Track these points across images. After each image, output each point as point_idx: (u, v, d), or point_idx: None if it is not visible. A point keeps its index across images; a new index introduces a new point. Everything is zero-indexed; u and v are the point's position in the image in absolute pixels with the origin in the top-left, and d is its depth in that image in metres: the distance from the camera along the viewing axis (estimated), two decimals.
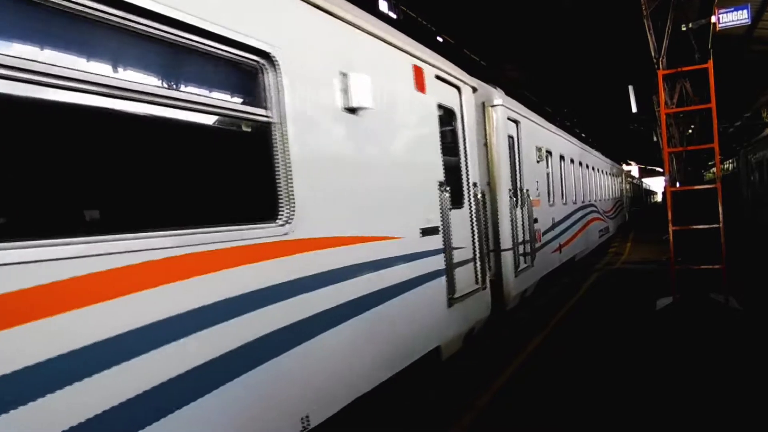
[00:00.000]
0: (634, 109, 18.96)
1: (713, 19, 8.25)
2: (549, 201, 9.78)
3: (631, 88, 17.90)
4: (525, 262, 7.81)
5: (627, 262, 14.59)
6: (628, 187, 30.68)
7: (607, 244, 19.23)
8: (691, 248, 8.39)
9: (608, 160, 21.99)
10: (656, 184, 66.00)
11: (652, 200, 60.14)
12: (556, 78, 20.07)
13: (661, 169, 45.48)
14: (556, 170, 10.59)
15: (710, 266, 8.05)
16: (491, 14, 14.13)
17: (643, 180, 55.98)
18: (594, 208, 14.90)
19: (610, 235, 18.67)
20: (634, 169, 51.44)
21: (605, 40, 15.18)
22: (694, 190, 8.63)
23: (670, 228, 8.39)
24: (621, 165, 33.76)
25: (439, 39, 13.98)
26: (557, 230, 10.18)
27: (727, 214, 7.95)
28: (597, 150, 22.73)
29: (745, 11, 8.69)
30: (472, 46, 15.53)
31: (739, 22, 8.77)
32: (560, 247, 10.51)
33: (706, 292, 8.08)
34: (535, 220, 8.25)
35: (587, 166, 14.73)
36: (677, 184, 9.08)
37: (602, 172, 18.23)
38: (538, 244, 8.48)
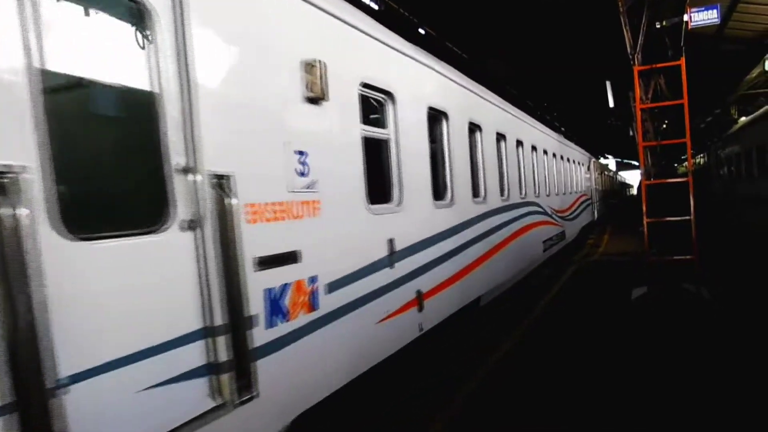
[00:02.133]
0: (611, 104, 19.30)
1: (685, 17, 8.49)
2: (395, 198, 4.73)
3: (608, 83, 18.21)
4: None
5: (605, 254, 14.95)
6: (600, 179, 26.82)
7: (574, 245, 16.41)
8: (664, 240, 8.67)
9: (571, 145, 17.86)
10: (632, 178, 67.44)
11: (629, 193, 61.41)
12: (537, 73, 20.31)
13: (636, 163, 46.48)
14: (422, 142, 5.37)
15: (682, 257, 8.35)
16: (473, 7, 14.23)
17: (620, 173, 57.10)
18: (537, 208, 10.38)
19: (566, 242, 14.06)
20: (611, 163, 52.40)
21: (584, 36, 15.43)
22: (668, 184, 8.90)
23: (645, 220, 8.66)
24: (594, 157, 27.43)
25: (421, 31, 14.01)
26: (425, 257, 5.15)
27: (698, 207, 8.24)
28: (558, 133, 17.49)
29: (714, 11, 8.96)
30: (455, 40, 15.62)
31: (709, 21, 9.04)
32: (420, 300, 4.98)
33: (678, 282, 8.39)
34: (283, 260, 3.21)
35: (532, 148, 10.41)
36: (651, 178, 9.34)
37: (559, 158, 13.81)
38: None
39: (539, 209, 10.68)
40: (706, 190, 20.15)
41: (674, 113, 9.38)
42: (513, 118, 9.29)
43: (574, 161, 17.18)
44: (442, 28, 14.39)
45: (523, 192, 9.46)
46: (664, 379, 5.01)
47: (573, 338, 6.64)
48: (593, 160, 24.34)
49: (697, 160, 24.05)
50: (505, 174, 8.39)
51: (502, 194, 8.13)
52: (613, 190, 39.80)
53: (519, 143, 9.34)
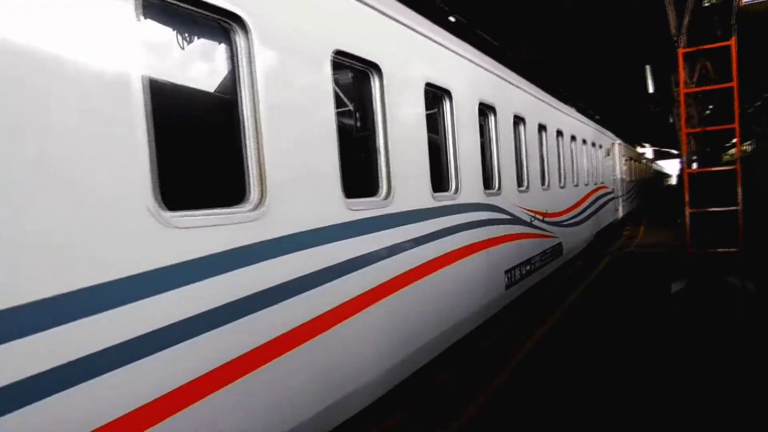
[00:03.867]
0: (650, 90, 18.49)
1: None
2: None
3: (648, 67, 17.43)
4: None
5: (641, 246, 14.44)
6: (629, 167, 21.40)
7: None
8: (707, 231, 8.25)
9: (579, 117, 12.38)
10: (670, 167, 64.88)
11: (666, 183, 59.13)
12: (570, 59, 19.64)
13: (675, 152, 44.69)
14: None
15: (726, 249, 7.93)
16: None
17: (657, 162, 55.01)
18: (504, 217, 6.37)
19: (565, 258, 9.43)
20: (648, 152, 50.52)
21: (622, 19, 14.76)
22: (712, 172, 8.45)
23: (687, 210, 8.25)
24: (625, 141, 22.82)
25: (451, 19, 13.69)
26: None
27: (745, 197, 7.79)
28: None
29: None
30: (486, 27, 15.21)
31: None
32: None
33: (722, 276, 7.98)
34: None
35: (514, 120, 7.02)
36: (694, 166, 8.88)
37: (549, 132, 8.85)
38: None
39: (510, 218, 6.55)
40: (753, 179, 19.14)
41: (720, 97, 8.87)
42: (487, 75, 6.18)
43: (584, 141, 11.84)
44: (473, 14, 14.03)
45: (456, 187, 5.19)
46: (707, 377, 4.76)
47: (605, 336, 6.41)
48: (619, 143, 18.45)
49: (744, 147, 22.91)
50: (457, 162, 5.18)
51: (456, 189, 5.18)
52: (648, 179, 34.97)
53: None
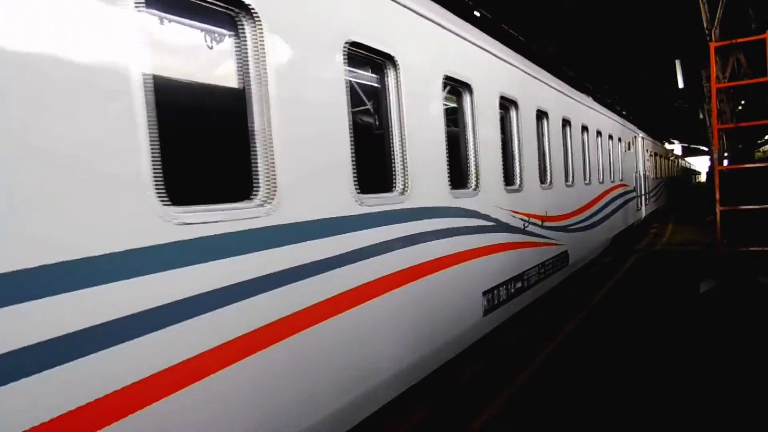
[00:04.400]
0: (680, 85, 18.05)
1: None
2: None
3: (678, 62, 17.02)
4: None
5: (668, 244, 14.17)
6: (654, 163, 19.85)
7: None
8: (738, 229, 8.07)
9: (601, 110, 11.49)
10: (700, 164, 63.16)
11: (696, 181, 57.56)
12: (598, 54, 19.31)
13: (705, 148, 43.42)
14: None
15: (759, 248, 7.75)
16: None
17: (686, 159, 53.59)
18: (482, 223, 5.02)
19: (572, 269, 8.14)
20: (677, 148, 49.25)
21: (652, 12, 14.45)
22: (745, 169, 8.25)
23: (717, 208, 8.09)
24: (653, 138, 21.40)
25: (476, 14, 13.62)
26: None
27: None
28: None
29: None
30: (511, 21, 15.08)
31: None
32: None
33: (754, 276, 7.80)
34: None
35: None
36: (725, 163, 8.68)
37: (554, 121, 7.46)
38: None
39: (472, 221, 4.79)
40: None
41: (753, 93, 8.63)
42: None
43: (599, 132, 10.35)
44: (498, 8, 13.92)
45: (404, 187, 3.87)
46: (737, 380, 4.70)
47: (632, 336, 6.35)
48: (642, 136, 16.70)
49: None
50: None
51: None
52: (675, 177, 33.10)
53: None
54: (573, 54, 18.29)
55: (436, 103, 4.28)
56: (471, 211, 4.74)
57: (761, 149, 27.84)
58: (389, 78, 3.77)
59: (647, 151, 17.83)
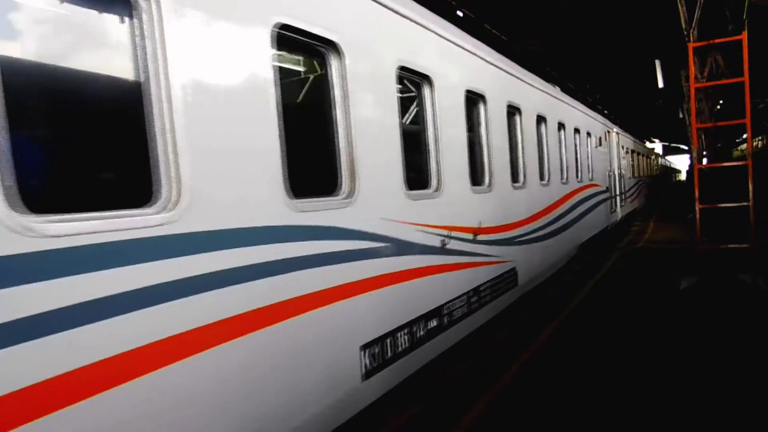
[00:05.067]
0: (660, 85, 18.33)
1: None
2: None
3: (657, 62, 17.28)
4: None
5: (650, 242, 14.36)
6: (631, 161, 18.89)
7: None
8: (717, 227, 8.20)
9: (564, 98, 10.15)
10: (680, 162, 64.37)
11: (677, 178, 58.66)
12: (579, 54, 19.51)
13: (685, 147, 44.28)
14: None
15: (738, 245, 7.88)
16: None
17: (667, 158, 54.59)
18: (359, 246, 3.54)
19: (518, 292, 6.67)
20: (658, 147, 50.12)
21: (631, 13, 14.64)
22: (723, 168, 8.39)
23: (697, 206, 8.21)
24: (635, 136, 20.91)
25: (459, 14, 13.65)
26: None
27: (757, 192, 7.75)
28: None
29: None
30: (493, 21, 15.15)
31: None
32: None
33: (733, 272, 7.94)
34: None
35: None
36: (704, 161, 8.82)
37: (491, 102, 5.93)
38: None
39: (335, 244, 3.34)
40: (763, 174, 18.95)
41: (731, 93, 8.79)
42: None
43: (561, 125, 9.03)
44: (481, 8, 13.98)
45: (177, 201, 2.39)
46: (717, 375, 4.75)
47: (614, 332, 6.40)
48: (617, 131, 15.52)
49: (755, 143, 22.64)
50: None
51: None
52: (655, 176, 32.52)
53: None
54: (555, 54, 18.46)
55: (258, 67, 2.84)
56: (335, 230, 3.28)
57: (739, 148, 28.47)
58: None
59: (623, 147, 16.80)
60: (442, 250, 4.56)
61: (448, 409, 4.44)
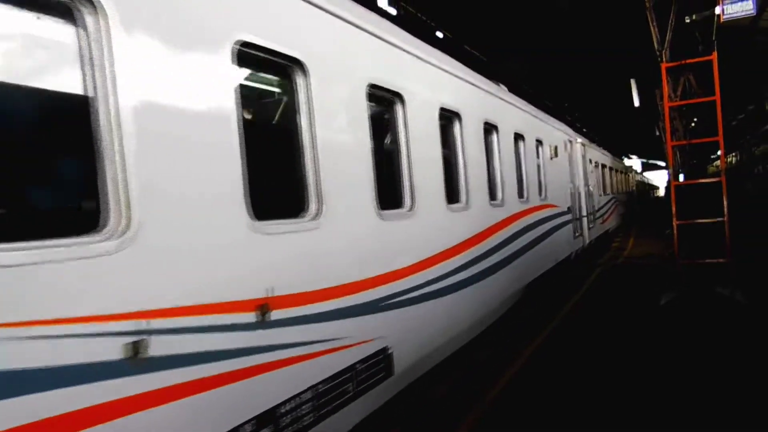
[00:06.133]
0: (636, 104, 18.80)
1: (717, 10, 8.14)
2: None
3: (633, 81, 17.75)
4: None
5: (630, 257, 14.52)
6: (602, 176, 16.97)
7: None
8: (695, 242, 8.34)
9: (502, 95, 7.48)
10: (658, 179, 65.83)
11: (655, 194, 59.89)
12: (557, 73, 19.96)
13: (662, 164, 45.38)
14: None
15: (715, 260, 8.00)
16: (490, 8, 14.06)
17: (645, 174, 55.80)
18: None
19: (394, 388, 4.05)
20: (636, 163, 51.22)
21: (607, 34, 15.07)
22: (698, 184, 8.56)
23: (674, 222, 8.33)
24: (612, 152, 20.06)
25: (439, 34, 13.89)
26: None
27: (730, 208, 7.91)
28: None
29: (750, 2, 8.55)
30: (473, 42, 15.45)
31: (744, 13, 8.61)
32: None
33: (711, 286, 8.04)
34: None
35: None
36: (681, 178, 8.99)
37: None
38: None
39: None
40: (738, 190, 19.45)
41: (705, 111, 9.03)
42: None
43: (494, 128, 6.71)
44: (460, 30, 14.25)
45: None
46: (696, 387, 4.75)
47: (596, 347, 6.38)
48: (581, 142, 13.23)
49: (728, 159, 23.25)
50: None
51: None
52: (632, 192, 30.78)
53: None
54: (533, 73, 18.85)
55: None
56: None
57: (714, 164, 29.25)
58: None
59: (590, 161, 14.38)
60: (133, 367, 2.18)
61: None
